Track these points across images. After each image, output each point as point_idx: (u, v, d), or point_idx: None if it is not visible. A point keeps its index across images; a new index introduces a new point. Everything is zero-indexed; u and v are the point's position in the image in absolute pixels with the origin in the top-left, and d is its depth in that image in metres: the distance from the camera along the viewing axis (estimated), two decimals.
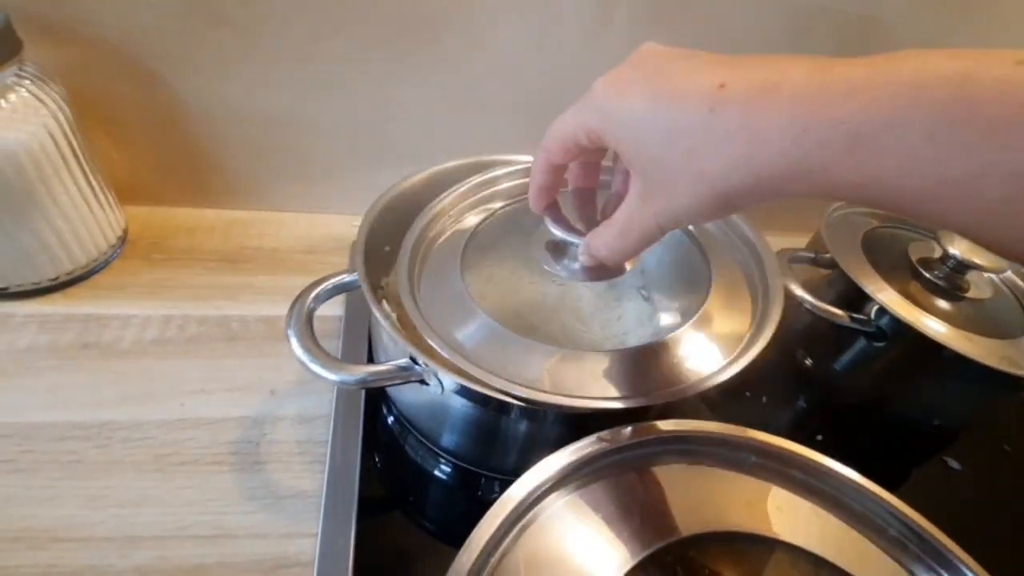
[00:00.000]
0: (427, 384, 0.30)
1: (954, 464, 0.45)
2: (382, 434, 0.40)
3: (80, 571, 0.29)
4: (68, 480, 0.32)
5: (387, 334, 0.31)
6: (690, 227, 0.38)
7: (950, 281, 0.45)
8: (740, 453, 0.27)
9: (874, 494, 0.26)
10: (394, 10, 0.42)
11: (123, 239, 0.46)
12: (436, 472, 0.38)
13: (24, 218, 0.37)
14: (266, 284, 0.45)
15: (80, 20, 0.39)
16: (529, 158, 0.41)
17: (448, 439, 0.36)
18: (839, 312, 0.43)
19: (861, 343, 0.45)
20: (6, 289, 0.40)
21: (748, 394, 0.48)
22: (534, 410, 0.29)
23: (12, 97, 0.35)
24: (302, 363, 0.29)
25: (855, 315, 0.43)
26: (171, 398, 0.37)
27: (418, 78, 0.46)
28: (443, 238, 0.37)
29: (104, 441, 0.34)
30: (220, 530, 0.32)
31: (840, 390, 0.48)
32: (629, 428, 0.26)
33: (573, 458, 0.24)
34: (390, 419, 0.40)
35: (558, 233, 0.30)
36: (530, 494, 0.23)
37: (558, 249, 0.32)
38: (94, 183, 0.41)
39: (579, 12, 0.44)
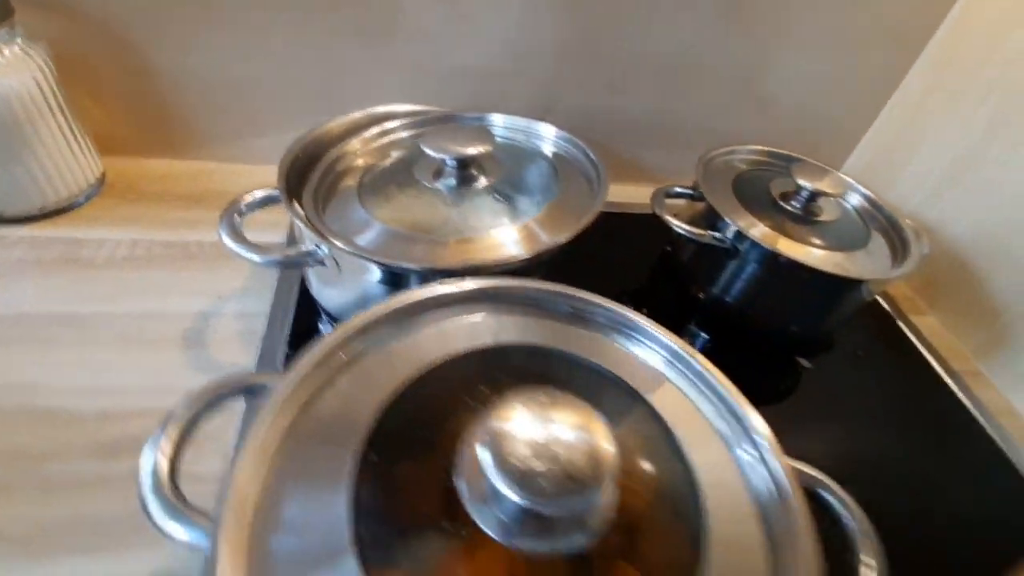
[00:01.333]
0: (325, 265, 0.38)
1: (805, 363, 0.53)
2: (307, 323, 0.47)
3: (55, 411, 0.37)
4: (48, 354, 0.41)
5: (298, 229, 0.39)
6: (549, 151, 0.47)
7: (806, 209, 0.53)
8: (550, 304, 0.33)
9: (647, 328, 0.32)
10: None
11: (101, 181, 0.54)
12: None
13: (15, 153, 0.46)
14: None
15: None
16: (419, 107, 0.50)
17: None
18: (698, 231, 0.51)
19: (725, 261, 0.53)
20: (1, 214, 0.48)
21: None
22: (400, 275, 0.37)
23: (6, 52, 0.44)
24: (229, 249, 0.38)
25: (714, 234, 0.51)
26: (136, 298, 0.45)
27: (343, 46, 0.55)
28: (347, 170, 0.46)
29: (78, 327, 0.42)
30: (170, 389, 0.39)
31: (716, 304, 0.56)
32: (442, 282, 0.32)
33: (395, 306, 0.31)
34: (319, 321, 0.48)
35: (431, 152, 0.38)
36: (350, 336, 0.28)
37: (436, 170, 0.40)
38: (75, 129, 0.50)
39: None
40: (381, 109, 0.50)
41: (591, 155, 0.47)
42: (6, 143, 0.45)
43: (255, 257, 0.37)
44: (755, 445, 0.27)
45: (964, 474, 0.47)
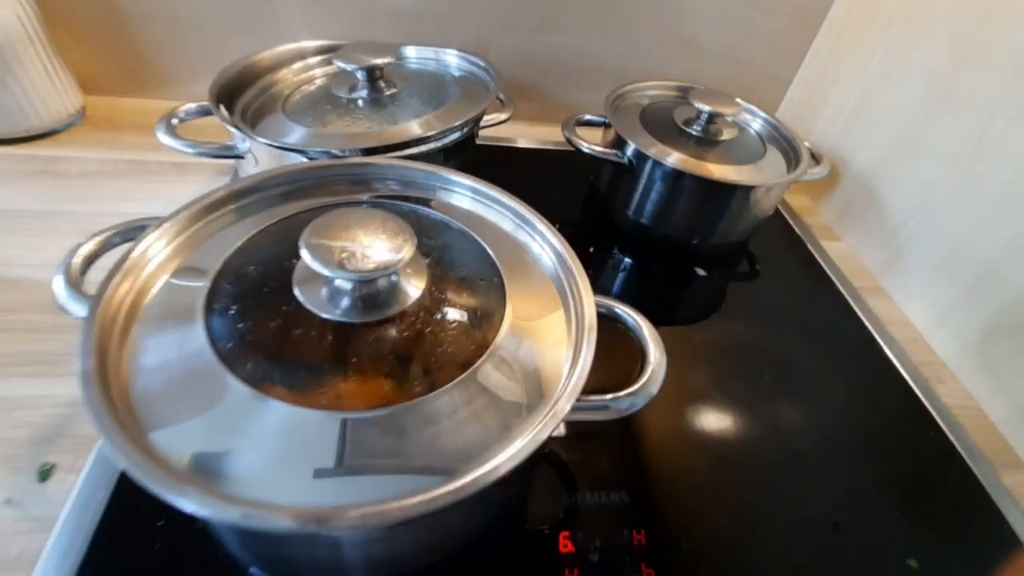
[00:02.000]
0: (244, 159, 0.45)
1: (701, 272, 0.58)
2: None
3: (20, 279, 0.45)
4: (21, 239, 0.48)
5: (227, 130, 0.46)
6: (456, 74, 0.53)
7: (706, 131, 0.58)
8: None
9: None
10: None
11: (82, 113, 0.62)
12: None
13: (1, 79, 0.53)
14: None
15: None
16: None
17: None
18: (601, 149, 0.56)
19: (632, 184, 0.58)
20: None
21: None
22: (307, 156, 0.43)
23: None
24: (163, 143, 0.45)
25: (616, 151, 0.56)
26: (101, 202, 0.53)
27: None
28: (275, 95, 0.52)
29: (50, 220, 0.50)
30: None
31: (629, 224, 0.61)
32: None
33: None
34: None
35: (342, 64, 0.44)
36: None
37: (351, 85, 0.47)
38: (56, 64, 0.58)
39: None
40: (307, 44, 0.56)
41: (486, 66, 0.53)
42: None
43: (186, 149, 0.44)
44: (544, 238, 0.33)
45: (848, 373, 0.51)
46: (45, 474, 0.34)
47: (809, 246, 0.64)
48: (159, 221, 0.32)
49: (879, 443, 0.45)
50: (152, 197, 0.54)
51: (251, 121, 0.49)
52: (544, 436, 0.25)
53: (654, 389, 0.30)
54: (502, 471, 0.24)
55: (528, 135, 0.73)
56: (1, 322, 0.41)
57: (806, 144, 0.59)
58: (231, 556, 0.32)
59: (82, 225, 0.49)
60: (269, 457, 0.24)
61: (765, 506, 0.39)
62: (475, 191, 0.36)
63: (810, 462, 0.43)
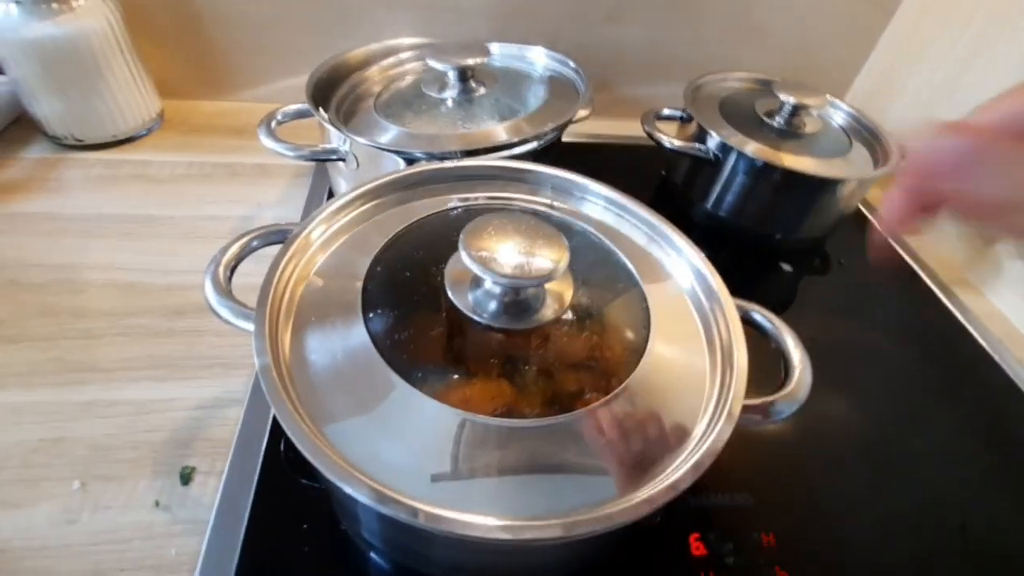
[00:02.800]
0: (345, 161, 0.45)
1: (787, 267, 0.57)
2: None
3: (133, 284, 0.45)
4: (126, 243, 0.49)
5: (325, 128, 0.46)
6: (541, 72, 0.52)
7: (789, 124, 0.57)
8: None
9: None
10: None
11: (161, 117, 0.63)
12: None
13: (94, 85, 0.54)
14: (258, 145, 0.61)
15: None
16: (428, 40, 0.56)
17: None
18: (684, 143, 0.56)
19: (712, 176, 0.57)
20: (82, 141, 0.57)
21: None
22: (408, 161, 0.43)
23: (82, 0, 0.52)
24: (266, 146, 0.45)
25: (699, 145, 0.56)
26: (193, 205, 0.53)
27: None
28: (365, 93, 0.52)
29: (148, 224, 0.51)
30: None
31: (707, 218, 0.60)
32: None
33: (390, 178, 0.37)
34: None
35: (434, 63, 0.44)
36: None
37: (441, 84, 0.46)
38: (139, 69, 0.58)
39: None
40: (394, 42, 0.56)
41: (574, 66, 0.52)
42: (85, 75, 0.53)
43: (287, 151, 0.44)
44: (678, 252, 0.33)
45: (951, 372, 0.50)
46: (187, 477, 0.34)
47: (890, 239, 0.63)
48: (302, 224, 0.32)
49: (993, 441, 0.44)
50: (240, 200, 0.55)
51: (343, 121, 0.49)
52: (722, 442, 0.25)
53: (802, 396, 0.30)
54: (687, 482, 0.24)
55: (593, 129, 0.72)
56: (121, 327, 0.42)
57: (891, 134, 0.57)
58: (373, 559, 0.33)
59: (181, 228, 0.50)
60: (428, 457, 0.24)
61: (888, 506, 0.39)
62: (608, 200, 0.36)
63: (927, 460, 0.42)
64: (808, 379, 0.30)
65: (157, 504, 0.33)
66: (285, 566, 0.31)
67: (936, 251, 0.63)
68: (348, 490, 0.21)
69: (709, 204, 0.60)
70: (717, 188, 0.58)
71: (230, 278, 0.31)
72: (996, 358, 0.51)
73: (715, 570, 0.34)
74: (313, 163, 0.59)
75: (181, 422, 0.37)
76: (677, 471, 0.24)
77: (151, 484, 0.34)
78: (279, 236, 0.33)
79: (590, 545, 0.31)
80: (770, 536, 0.36)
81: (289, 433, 0.23)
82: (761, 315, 0.33)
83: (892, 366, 0.49)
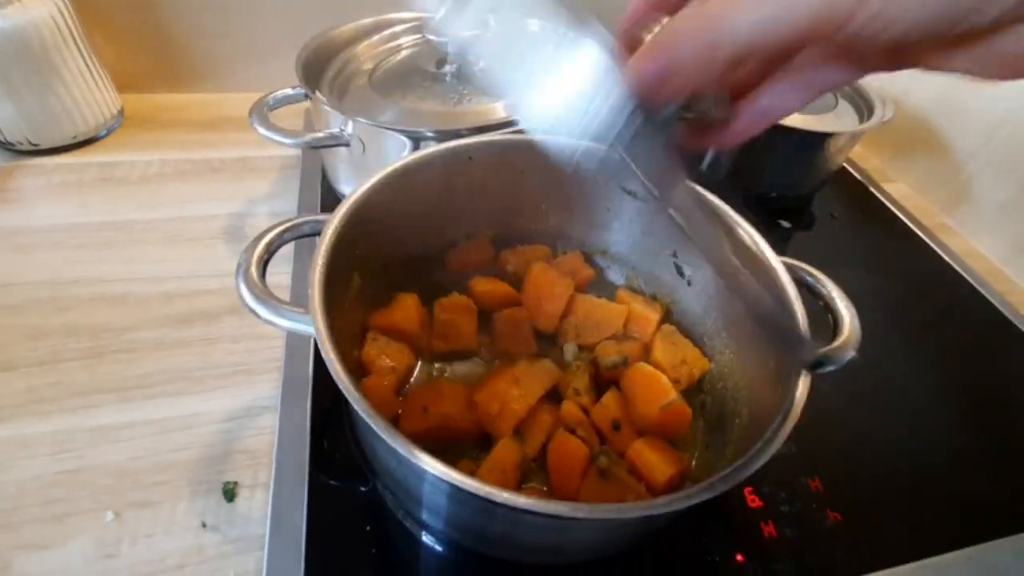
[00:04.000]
0: (350, 146, 0.42)
1: (785, 224, 0.58)
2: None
3: (125, 295, 0.42)
4: (106, 253, 0.45)
5: (324, 111, 0.43)
6: None
7: None
8: None
9: None
10: None
11: (121, 113, 0.58)
12: None
13: (46, 81, 0.49)
14: (237, 139, 0.58)
15: None
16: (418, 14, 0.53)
17: None
18: None
19: None
20: (38, 146, 0.52)
21: None
22: (419, 141, 0.41)
23: None
24: (260, 133, 0.42)
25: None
26: (172, 206, 0.50)
27: None
28: (357, 70, 0.50)
29: (126, 231, 0.47)
30: (224, 272, 0.44)
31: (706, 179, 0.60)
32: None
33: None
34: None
35: (434, 37, 0.42)
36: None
37: (439, 59, 0.44)
38: (93, 64, 0.53)
39: None
40: (383, 17, 0.53)
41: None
42: (37, 71, 0.48)
43: (285, 140, 0.42)
44: None
45: (941, 310, 0.53)
46: (231, 493, 0.32)
47: (872, 189, 0.65)
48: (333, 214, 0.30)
49: (984, 372, 0.47)
50: (227, 197, 0.51)
51: (338, 100, 0.46)
52: (805, 389, 0.25)
53: (856, 342, 0.30)
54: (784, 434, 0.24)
55: None
56: (123, 343, 0.39)
57: (874, 89, 0.59)
58: (439, 553, 0.32)
59: (163, 232, 0.47)
60: None
61: (916, 440, 0.41)
62: None
63: (934, 397, 0.44)
64: (858, 327, 0.31)
65: (204, 525, 0.31)
66: (354, 572, 0.30)
67: (915, 201, 0.65)
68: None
69: (704, 166, 0.60)
70: (711, 151, 0.59)
71: (263, 275, 0.29)
72: (982, 292, 0.54)
73: (774, 519, 0.35)
74: (300, 154, 0.56)
75: (210, 437, 0.35)
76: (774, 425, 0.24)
77: (192, 505, 0.32)
78: (312, 227, 0.31)
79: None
80: (816, 481, 0.37)
81: (375, 427, 0.22)
82: (805, 272, 0.33)
83: (893, 310, 0.51)
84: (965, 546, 0.36)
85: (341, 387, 0.24)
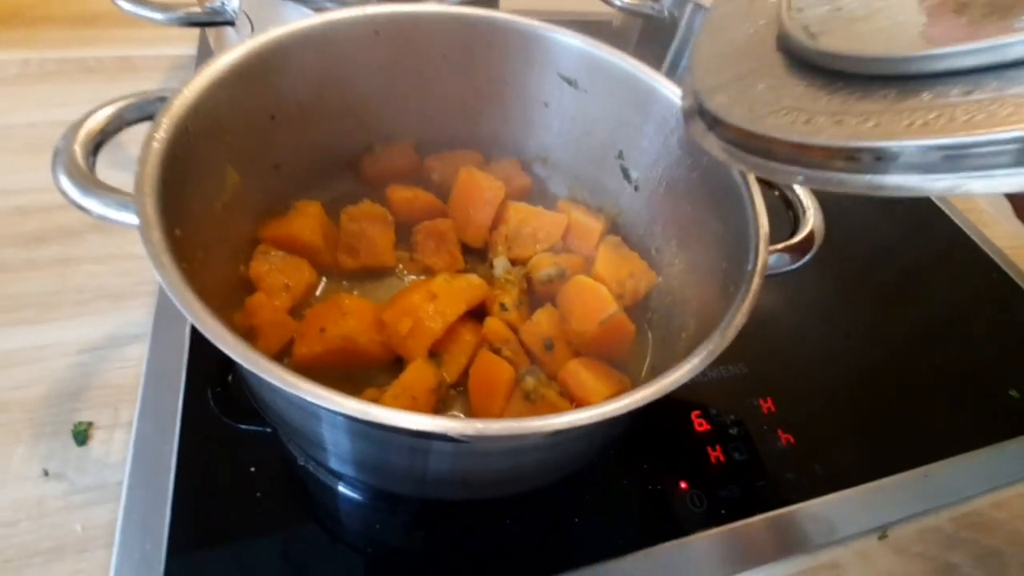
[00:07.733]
0: (235, 24, 0.35)
1: None
2: None
3: None
4: None
5: None
6: None
7: None
8: None
9: None
10: None
11: None
12: None
13: None
14: (120, 35, 0.49)
15: None
16: None
17: None
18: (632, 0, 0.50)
19: (668, 40, 0.52)
20: None
21: None
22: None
23: None
24: (128, 11, 0.34)
25: (652, 4, 0.50)
26: (37, 110, 0.41)
27: None
28: None
29: None
30: None
31: None
32: None
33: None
34: None
35: None
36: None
37: None
38: None
39: None
40: None
41: None
42: None
43: (156, 15, 0.34)
44: None
45: (900, 229, 0.50)
46: (82, 435, 0.27)
47: None
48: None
49: (942, 291, 0.45)
50: (98, 100, 0.43)
51: None
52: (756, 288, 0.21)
53: (819, 236, 0.26)
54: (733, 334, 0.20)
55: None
56: None
57: None
58: (326, 483, 0.27)
59: (24, 139, 0.40)
60: None
61: (871, 359, 0.38)
62: None
63: (891, 318, 0.42)
64: (821, 220, 0.27)
65: (46, 473, 0.25)
66: (235, 517, 0.25)
67: None
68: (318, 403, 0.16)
69: (663, 72, 0.55)
70: (670, 53, 0.53)
71: (93, 161, 0.23)
72: (972, 237, 0.50)
73: (721, 444, 0.32)
74: (190, 54, 0.48)
75: (62, 372, 0.29)
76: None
77: (32, 451, 0.26)
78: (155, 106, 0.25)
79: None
80: (768, 402, 0.34)
81: (244, 363, 0.16)
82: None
83: (855, 225, 0.48)
84: (918, 465, 0.34)
85: (171, 294, 0.18)
